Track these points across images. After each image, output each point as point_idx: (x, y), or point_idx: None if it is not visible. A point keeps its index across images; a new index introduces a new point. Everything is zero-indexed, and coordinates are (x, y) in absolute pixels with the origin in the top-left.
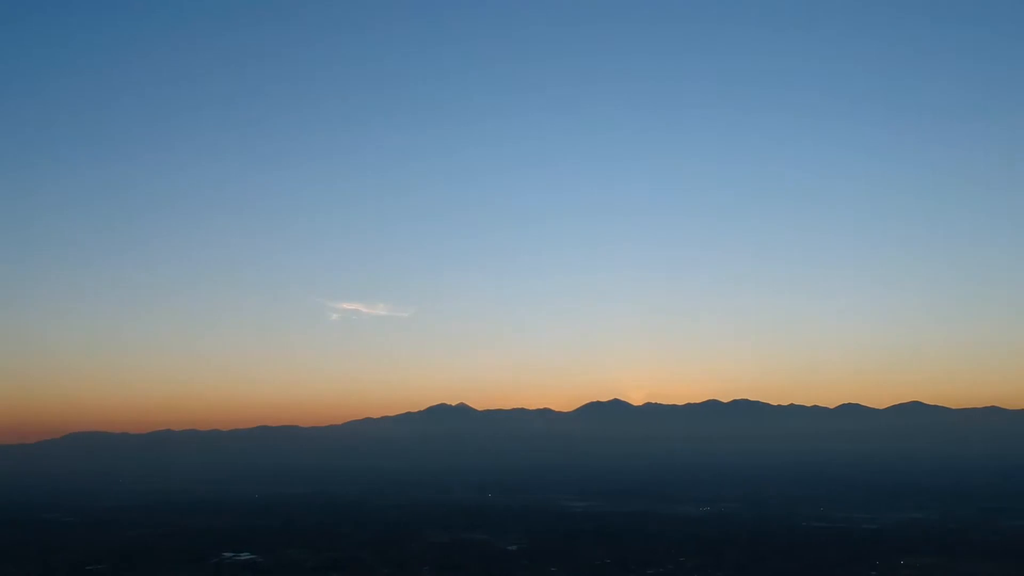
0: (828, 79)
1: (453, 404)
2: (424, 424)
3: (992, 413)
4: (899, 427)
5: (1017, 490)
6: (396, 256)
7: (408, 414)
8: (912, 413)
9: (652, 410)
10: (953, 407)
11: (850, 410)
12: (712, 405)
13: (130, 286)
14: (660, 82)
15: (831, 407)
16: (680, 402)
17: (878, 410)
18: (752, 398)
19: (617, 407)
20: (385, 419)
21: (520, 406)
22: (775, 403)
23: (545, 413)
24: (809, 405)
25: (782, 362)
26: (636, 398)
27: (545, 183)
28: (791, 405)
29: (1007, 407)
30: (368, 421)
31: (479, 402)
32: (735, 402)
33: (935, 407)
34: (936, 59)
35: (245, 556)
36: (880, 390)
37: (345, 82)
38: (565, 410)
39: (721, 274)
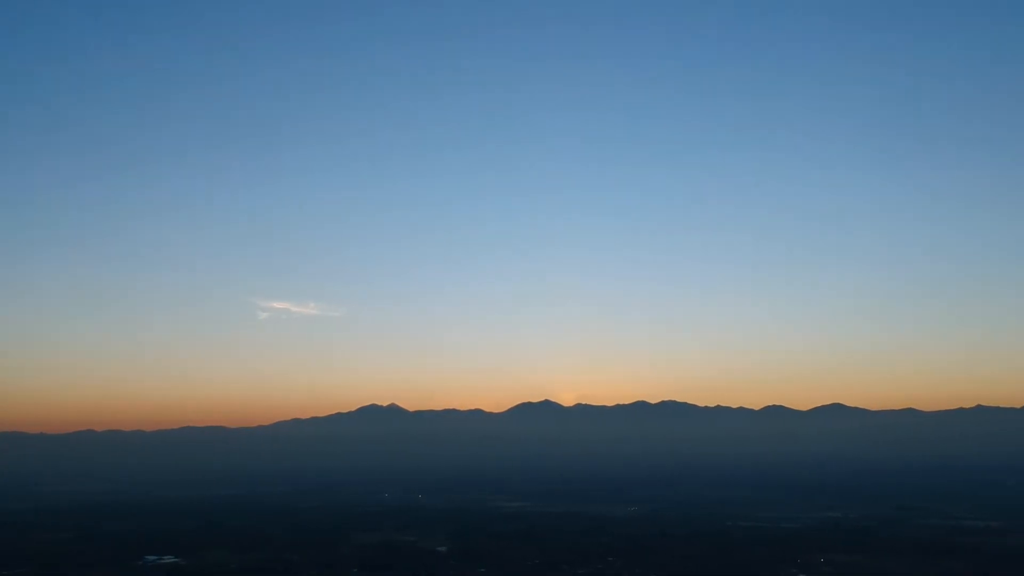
0: (763, 83)
1: (384, 405)
2: (354, 425)
3: (909, 415)
4: (821, 428)
5: (933, 489)
6: (327, 255)
7: (338, 415)
8: (834, 415)
9: (582, 411)
10: (873, 409)
11: (774, 412)
12: (640, 406)
13: (50, 284)
14: (586, 87)
15: (756, 409)
16: (609, 403)
17: (801, 412)
18: (680, 399)
19: (548, 408)
20: (315, 420)
21: (451, 407)
22: (702, 404)
23: (476, 414)
24: (735, 407)
25: (709, 364)
26: (567, 399)
27: (477, 186)
28: (717, 407)
29: (923, 409)
30: (297, 422)
31: (410, 403)
32: (663, 403)
33: (855, 409)
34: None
35: (168, 559)
36: (803, 392)
37: (275, 80)
38: (496, 411)
39: (650, 276)
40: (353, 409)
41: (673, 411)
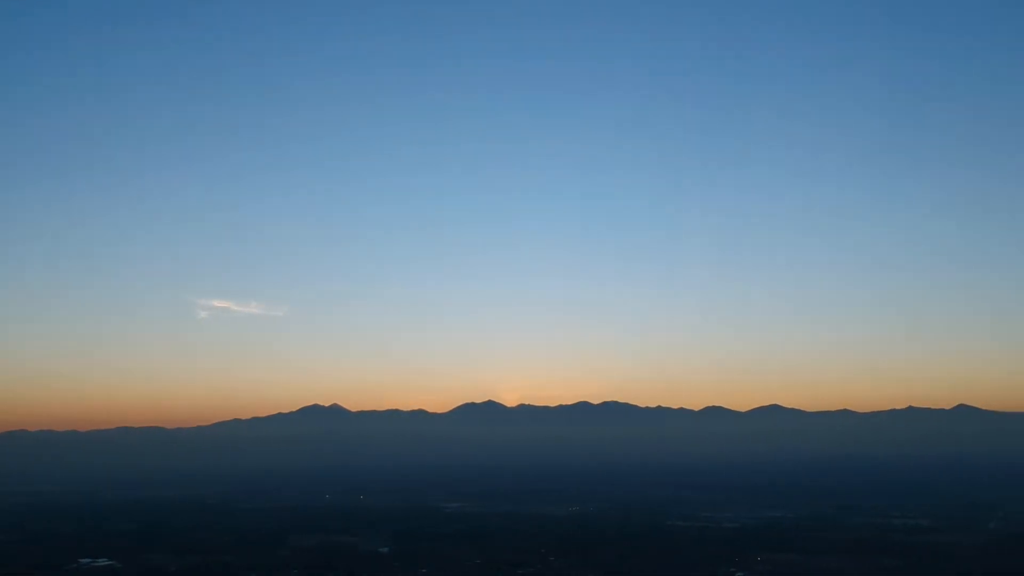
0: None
1: (326, 405)
2: (296, 425)
3: (844, 416)
4: (760, 429)
5: (867, 488)
6: (270, 253)
7: (279, 415)
8: (772, 416)
9: (525, 411)
10: (809, 410)
11: (714, 412)
12: (583, 407)
13: None
14: (525, 89)
15: (696, 409)
16: (552, 403)
17: (740, 413)
18: (622, 400)
19: (491, 408)
20: (255, 420)
21: (394, 407)
22: (643, 405)
23: (420, 414)
24: (676, 407)
25: (651, 365)
26: (510, 399)
27: (421, 186)
28: (659, 407)
29: (857, 410)
30: (237, 422)
31: (353, 403)
32: (605, 404)
33: (793, 410)
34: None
35: (103, 562)
36: (742, 394)
37: (213, 78)
38: (440, 411)
39: (594, 278)
40: (295, 409)
41: (615, 412)
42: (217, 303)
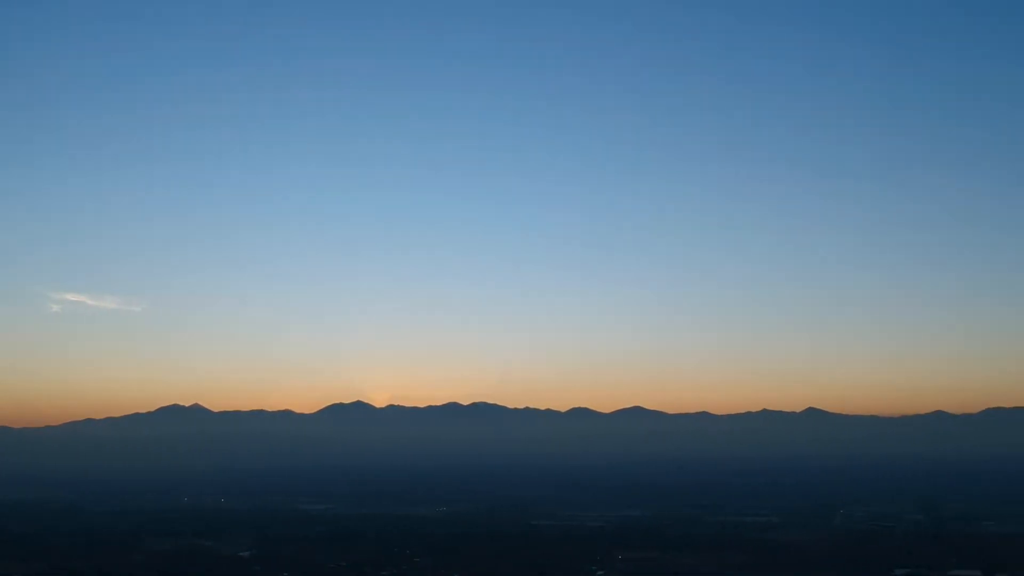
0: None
1: (186, 405)
2: (154, 426)
3: (703, 418)
4: (623, 430)
5: (722, 488)
6: (128, 246)
7: (136, 415)
8: (635, 417)
9: (394, 412)
10: (670, 412)
11: (580, 414)
12: (452, 407)
13: None
14: (394, 89)
15: (563, 411)
16: (422, 404)
17: (604, 414)
18: (491, 401)
19: (360, 409)
20: (110, 420)
21: (259, 407)
22: (512, 406)
23: (286, 414)
24: (543, 408)
25: (520, 367)
26: (379, 400)
27: (291, 184)
28: (527, 408)
29: (715, 413)
30: (90, 422)
31: (215, 403)
32: (474, 404)
33: (655, 412)
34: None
35: None
36: (606, 396)
37: (73, 63)
38: (306, 411)
39: (463, 278)
40: (153, 409)
41: (484, 412)
42: (71, 297)
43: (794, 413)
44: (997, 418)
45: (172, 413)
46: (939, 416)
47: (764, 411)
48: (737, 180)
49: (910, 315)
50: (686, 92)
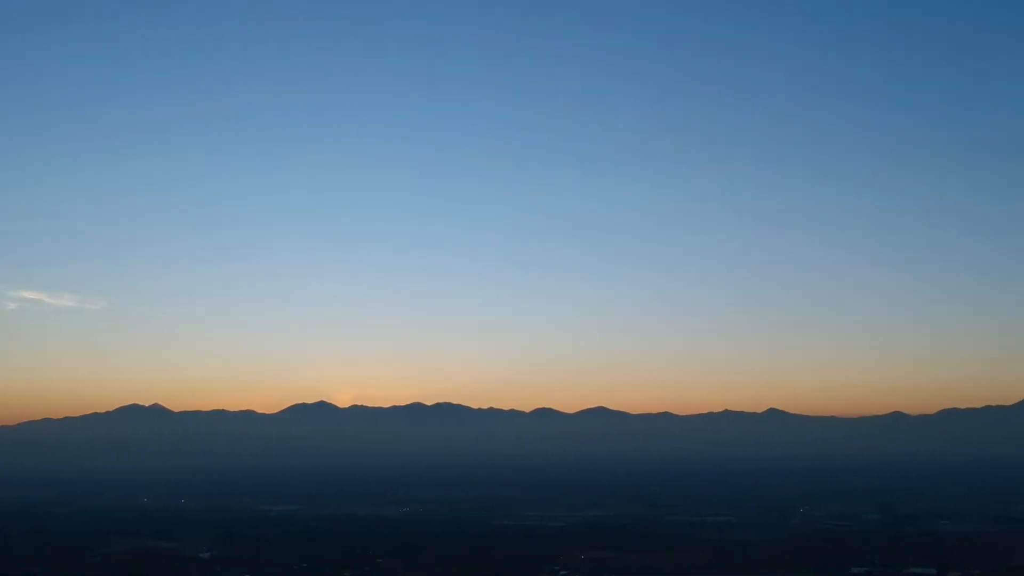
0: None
1: (146, 405)
2: (113, 426)
3: (666, 419)
4: (586, 431)
5: (683, 488)
6: (86, 243)
7: (95, 415)
8: (598, 418)
9: (358, 412)
10: (633, 413)
11: (543, 414)
12: (416, 408)
13: None
14: (338, 89)
15: (526, 411)
16: (385, 404)
17: (568, 414)
18: (455, 401)
19: (323, 409)
20: (68, 420)
21: (220, 407)
22: (476, 407)
23: (247, 415)
24: (507, 409)
25: (484, 367)
26: (342, 400)
27: (253, 183)
28: (491, 409)
29: (678, 413)
30: (48, 422)
31: (175, 403)
32: (438, 405)
33: (618, 412)
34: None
35: None
36: (570, 396)
37: (27, 51)
38: (269, 412)
39: (427, 278)
40: (112, 409)
41: (448, 413)
42: (28, 294)
43: (755, 414)
44: (953, 419)
45: (131, 413)
46: (897, 417)
47: (726, 412)
48: (699, 181)
49: (869, 318)
50: (647, 94)
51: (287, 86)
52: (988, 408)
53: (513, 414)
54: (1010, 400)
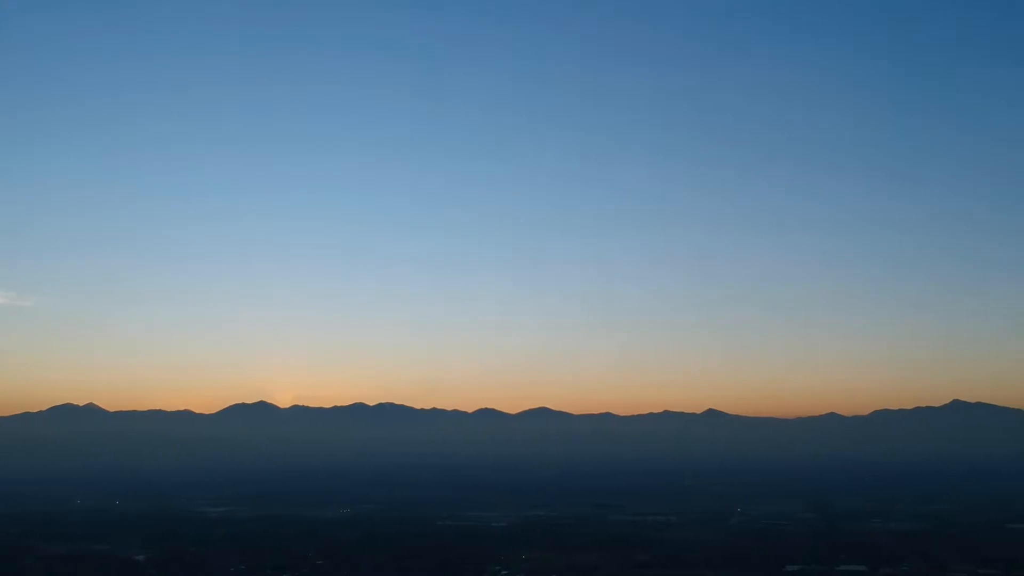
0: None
1: (80, 404)
2: (45, 426)
3: (607, 419)
4: (529, 431)
5: (625, 488)
6: (18, 239)
7: (26, 414)
8: (540, 418)
9: (299, 412)
10: (575, 413)
11: (486, 414)
12: (358, 408)
13: None
14: (297, 85)
15: (470, 411)
16: (327, 404)
17: (511, 415)
18: (397, 402)
19: (263, 409)
20: None
21: (157, 407)
22: (419, 407)
23: (185, 415)
24: (450, 409)
25: (427, 367)
26: (283, 400)
27: (191, 181)
28: (433, 409)
29: (619, 414)
30: None
31: (110, 402)
32: (380, 405)
33: (560, 412)
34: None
35: None
36: (513, 396)
37: None
38: (207, 412)
39: (368, 277)
40: (44, 408)
41: (391, 413)
42: None
43: (695, 414)
44: (885, 420)
45: (65, 412)
46: (831, 418)
47: (666, 412)
48: (636, 182)
49: (805, 322)
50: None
51: (205, 84)
52: (919, 409)
53: (456, 414)
54: (939, 402)
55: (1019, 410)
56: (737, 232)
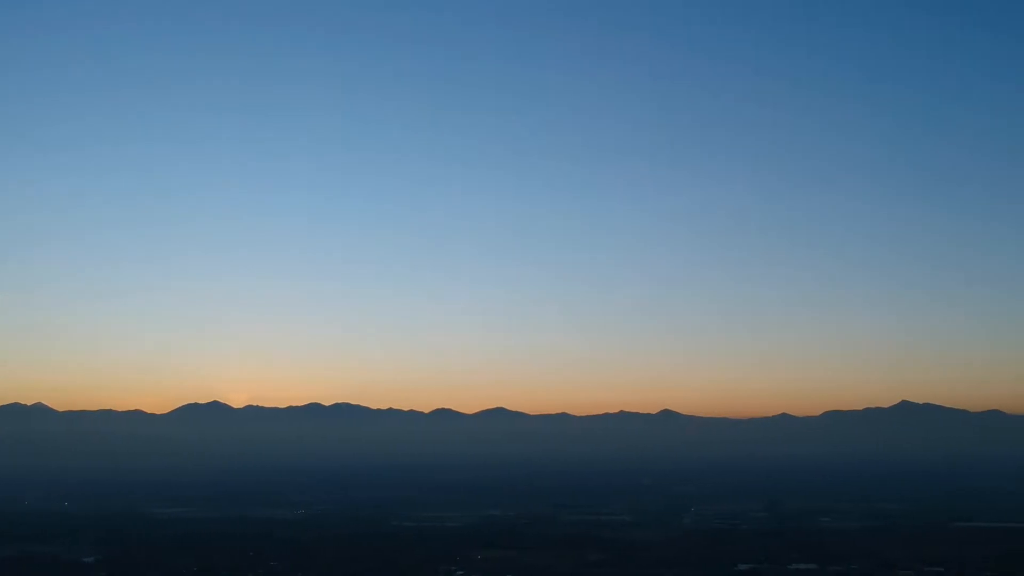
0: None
1: (28, 404)
2: None
3: (564, 419)
4: (485, 431)
5: (580, 487)
6: None
7: None
8: (497, 418)
9: (253, 412)
10: (531, 413)
11: (443, 415)
12: (314, 408)
13: None
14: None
15: (426, 412)
16: (282, 404)
17: (467, 415)
18: (354, 402)
19: (216, 409)
20: None
21: (107, 407)
22: (375, 407)
23: (136, 415)
24: (406, 410)
25: (383, 367)
26: (237, 400)
27: (141, 178)
28: (390, 409)
29: (575, 414)
30: None
31: (59, 402)
32: (336, 405)
33: (517, 413)
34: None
35: None
36: (470, 396)
37: None
38: (159, 412)
39: (326, 277)
40: None
41: (347, 413)
42: None
43: (650, 414)
44: (836, 420)
45: (13, 413)
46: (783, 418)
47: (621, 412)
48: (594, 181)
49: (758, 324)
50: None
51: (185, 79)
52: (868, 410)
53: (412, 415)
54: (888, 403)
55: (966, 411)
56: (692, 236)
